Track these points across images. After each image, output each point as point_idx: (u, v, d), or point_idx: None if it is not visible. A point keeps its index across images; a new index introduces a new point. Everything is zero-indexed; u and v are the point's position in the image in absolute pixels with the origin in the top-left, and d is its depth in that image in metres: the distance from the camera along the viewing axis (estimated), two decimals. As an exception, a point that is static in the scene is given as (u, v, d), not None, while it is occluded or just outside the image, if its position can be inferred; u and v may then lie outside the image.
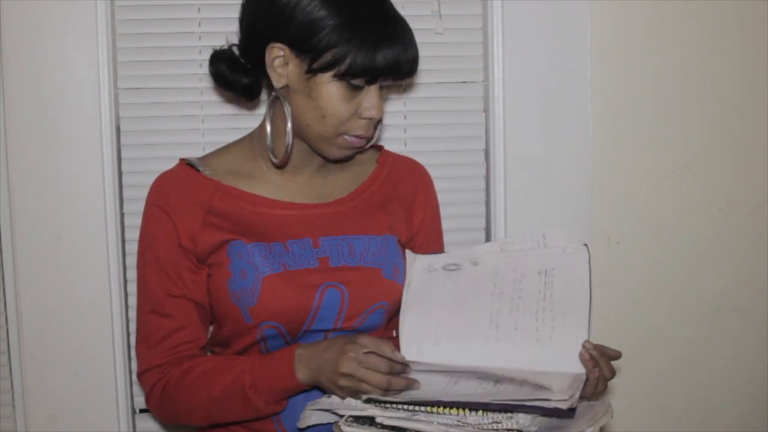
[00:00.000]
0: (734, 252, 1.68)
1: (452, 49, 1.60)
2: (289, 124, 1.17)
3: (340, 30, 1.10)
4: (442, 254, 1.26)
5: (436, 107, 1.61)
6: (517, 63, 1.57)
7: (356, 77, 1.12)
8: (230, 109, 1.57)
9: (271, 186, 1.25)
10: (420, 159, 1.41)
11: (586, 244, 1.19)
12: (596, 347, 1.10)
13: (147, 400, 1.26)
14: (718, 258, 1.68)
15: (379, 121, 1.21)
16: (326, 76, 1.12)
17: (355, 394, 1.09)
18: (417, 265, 1.22)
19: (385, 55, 1.11)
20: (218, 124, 1.56)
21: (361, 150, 1.24)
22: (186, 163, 1.26)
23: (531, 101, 1.59)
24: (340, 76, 1.12)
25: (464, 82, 1.62)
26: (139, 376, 1.25)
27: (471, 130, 1.62)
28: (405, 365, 1.08)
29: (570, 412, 0.98)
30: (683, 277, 1.68)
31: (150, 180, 1.26)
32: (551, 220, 1.60)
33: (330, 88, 1.13)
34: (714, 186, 1.67)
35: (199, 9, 1.54)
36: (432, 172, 1.40)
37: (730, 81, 1.64)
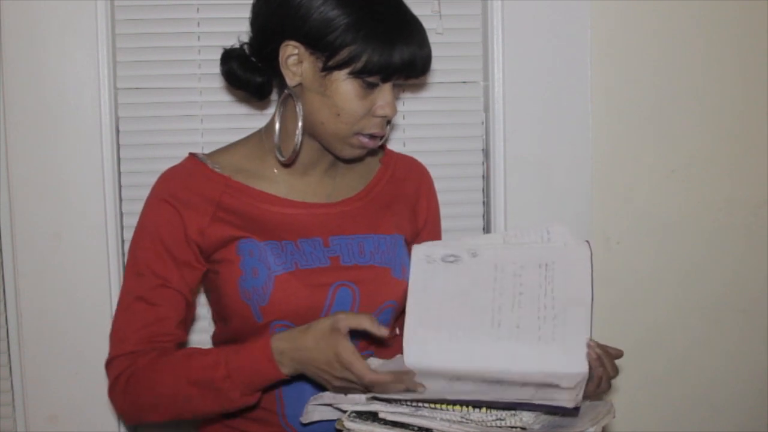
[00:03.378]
0: (734, 252, 1.68)
1: (452, 49, 1.60)
2: (300, 123, 1.17)
3: (357, 27, 1.09)
4: (441, 243, 1.21)
5: (436, 107, 1.61)
6: (517, 63, 1.57)
7: (372, 75, 1.12)
8: (230, 109, 1.57)
9: (281, 185, 1.24)
10: (420, 159, 1.41)
11: (588, 241, 1.18)
12: (599, 346, 1.10)
13: (110, 390, 1.17)
14: (718, 258, 1.68)
15: (389, 120, 1.20)
16: (342, 74, 1.12)
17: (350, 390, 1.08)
18: (414, 254, 1.17)
19: (401, 53, 1.11)
20: (218, 124, 1.56)
21: (372, 150, 1.23)
22: (195, 158, 1.24)
23: (531, 101, 1.59)
24: (356, 74, 1.11)
25: (464, 82, 1.62)
26: (107, 363, 1.18)
27: (471, 130, 1.62)
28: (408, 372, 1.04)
29: (574, 411, 0.98)
30: (683, 277, 1.68)
31: (150, 180, 1.25)
32: (551, 220, 1.59)
33: (345, 86, 1.13)
34: (714, 186, 1.66)
35: (198, 9, 1.54)
36: (432, 172, 1.40)
37: (730, 81, 1.64)
